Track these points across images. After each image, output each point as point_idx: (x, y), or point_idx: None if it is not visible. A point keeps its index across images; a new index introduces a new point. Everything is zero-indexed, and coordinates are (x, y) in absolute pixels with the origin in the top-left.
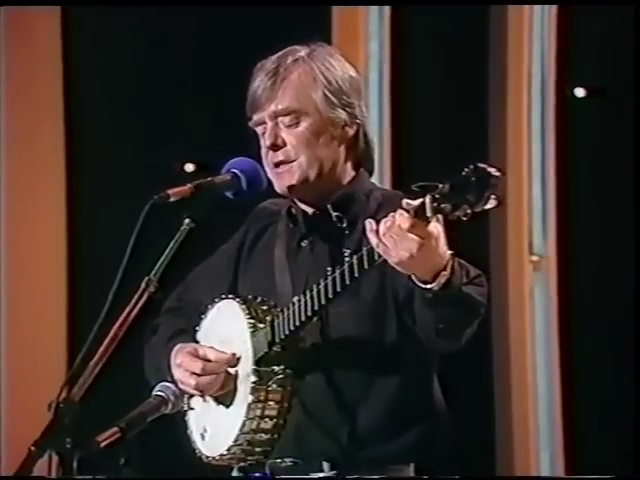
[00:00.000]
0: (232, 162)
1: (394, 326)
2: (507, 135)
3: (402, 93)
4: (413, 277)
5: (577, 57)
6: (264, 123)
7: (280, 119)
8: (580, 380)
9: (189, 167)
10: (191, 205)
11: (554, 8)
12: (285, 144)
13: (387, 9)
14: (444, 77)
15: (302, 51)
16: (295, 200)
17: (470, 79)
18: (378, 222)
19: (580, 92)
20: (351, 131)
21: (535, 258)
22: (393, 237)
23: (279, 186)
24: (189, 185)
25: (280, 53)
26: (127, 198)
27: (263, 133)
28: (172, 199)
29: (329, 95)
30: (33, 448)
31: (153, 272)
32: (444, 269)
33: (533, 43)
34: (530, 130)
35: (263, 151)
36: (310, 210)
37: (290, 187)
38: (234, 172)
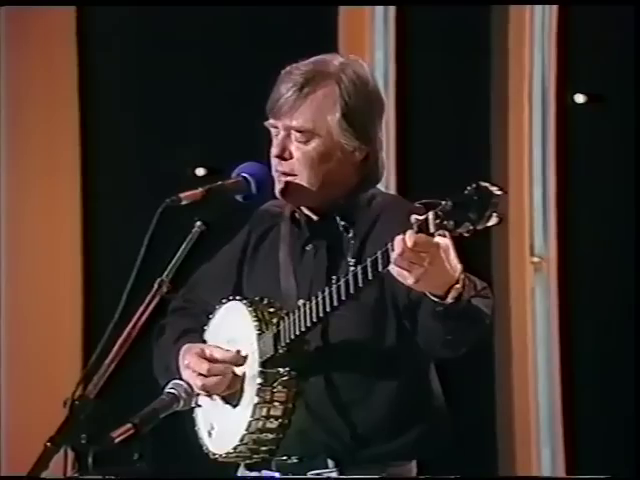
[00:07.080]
0: (242, 166)
1: (393, 329)
2: (509, 139)
3: (407, 99)
4: (427, 293)
5: (577, 63)
6: (277, 128)
7: (293, 133)
8: (581, 380)
9: (200, 171)
10: (202, 208)
11: (555, 14)
12: (292, 157)
13: (392, 18)
14: (447, 83)
15: (331, 67)
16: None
17: (472, 85)
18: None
19: (580, 98)
20: (360, 155)
21: (536, 259)
22: (405, 258)
23: (279, 192)
24: (200, 189)
25: (310, 63)
26: (140, 201)
27: (275, 135)
28: (184, 202)
29: (344, 121)
30: (49, 444)
31: (165, 273)
32: (456, 282)
33: (534, 50)
34: (531, 134)
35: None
36: (314, 216)
37: (288, 197)
38: (244, 176)
